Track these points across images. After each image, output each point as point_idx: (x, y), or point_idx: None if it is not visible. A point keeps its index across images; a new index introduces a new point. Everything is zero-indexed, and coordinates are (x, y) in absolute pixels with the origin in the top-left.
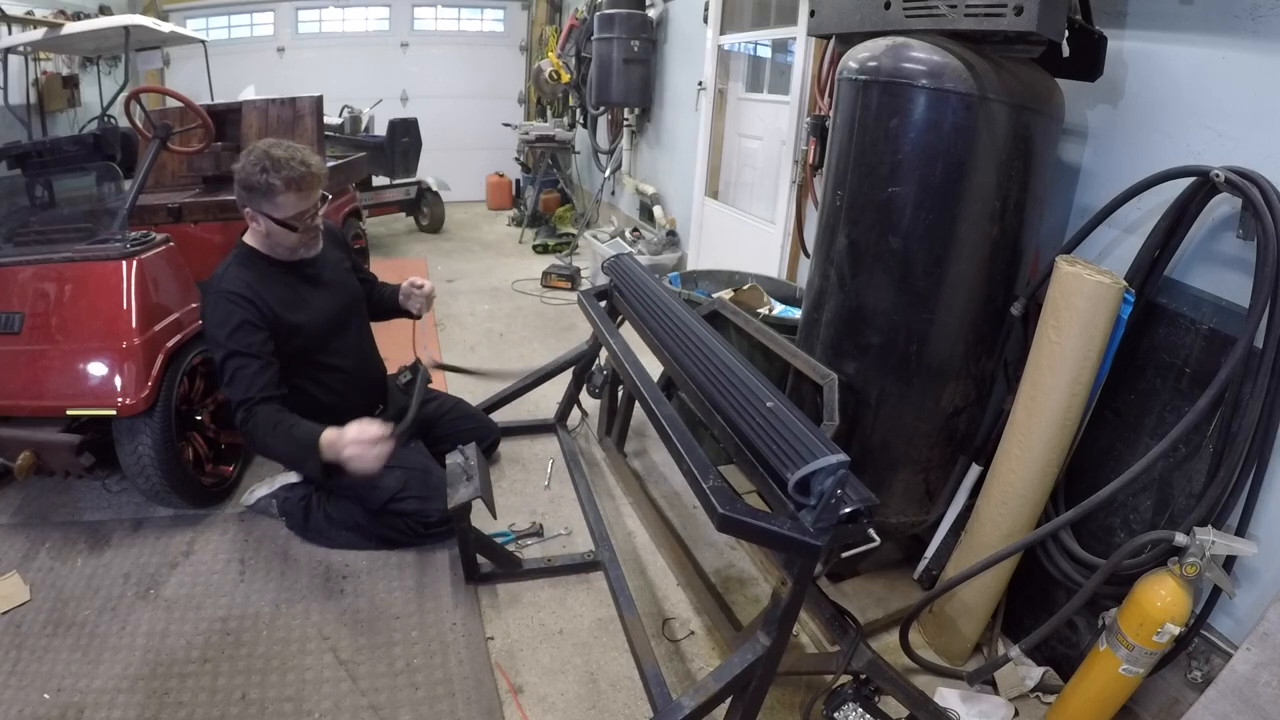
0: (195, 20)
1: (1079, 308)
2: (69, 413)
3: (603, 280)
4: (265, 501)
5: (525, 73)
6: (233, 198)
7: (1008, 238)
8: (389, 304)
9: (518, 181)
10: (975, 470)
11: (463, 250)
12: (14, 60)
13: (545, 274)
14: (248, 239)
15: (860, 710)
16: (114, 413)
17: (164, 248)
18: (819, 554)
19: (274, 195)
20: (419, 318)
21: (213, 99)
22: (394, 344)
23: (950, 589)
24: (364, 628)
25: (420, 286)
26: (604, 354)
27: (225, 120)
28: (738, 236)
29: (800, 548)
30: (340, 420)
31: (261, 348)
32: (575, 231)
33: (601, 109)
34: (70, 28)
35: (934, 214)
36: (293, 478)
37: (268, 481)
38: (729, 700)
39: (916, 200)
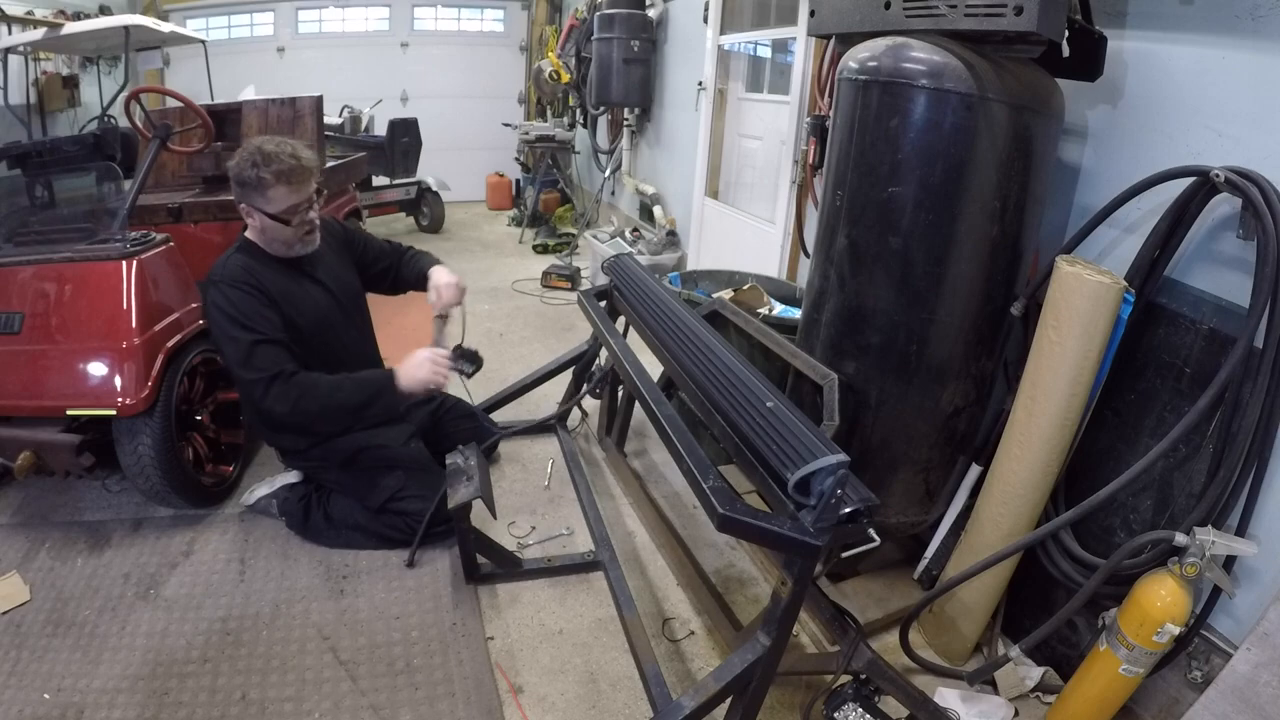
0: (195, 20)
1: (1079, 308)
2: (69, 413)
3: (603, 280)
4: (265, 502)
5: (525, 73)
6: (233, 197)
7: (1008, 238)
8: (415, 279)
9: (518, 181)
10: (975, 470)
11: (463, 250)
12: (14, 60)
13: (545, 274)
14: (248, 234)
15: (860, 710)
16: (114, 413)
17: (164, 248)
18: (819, 554)
19: (265, 189)
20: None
21: (213, 99)
22: (393, 344)
23: (950, 589)
24: (364, 628)
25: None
26: (604, 354)
27: (225, 120)
28: (738, 236)
29: (800, 548)
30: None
31: (278, 330)
32: (575, 231)
33: (601, 109)
34: (70, 28)
35: (934, 214)
36: (292, 478)
37: (267, 481)
38: (729, 700)
39: (916, 200)
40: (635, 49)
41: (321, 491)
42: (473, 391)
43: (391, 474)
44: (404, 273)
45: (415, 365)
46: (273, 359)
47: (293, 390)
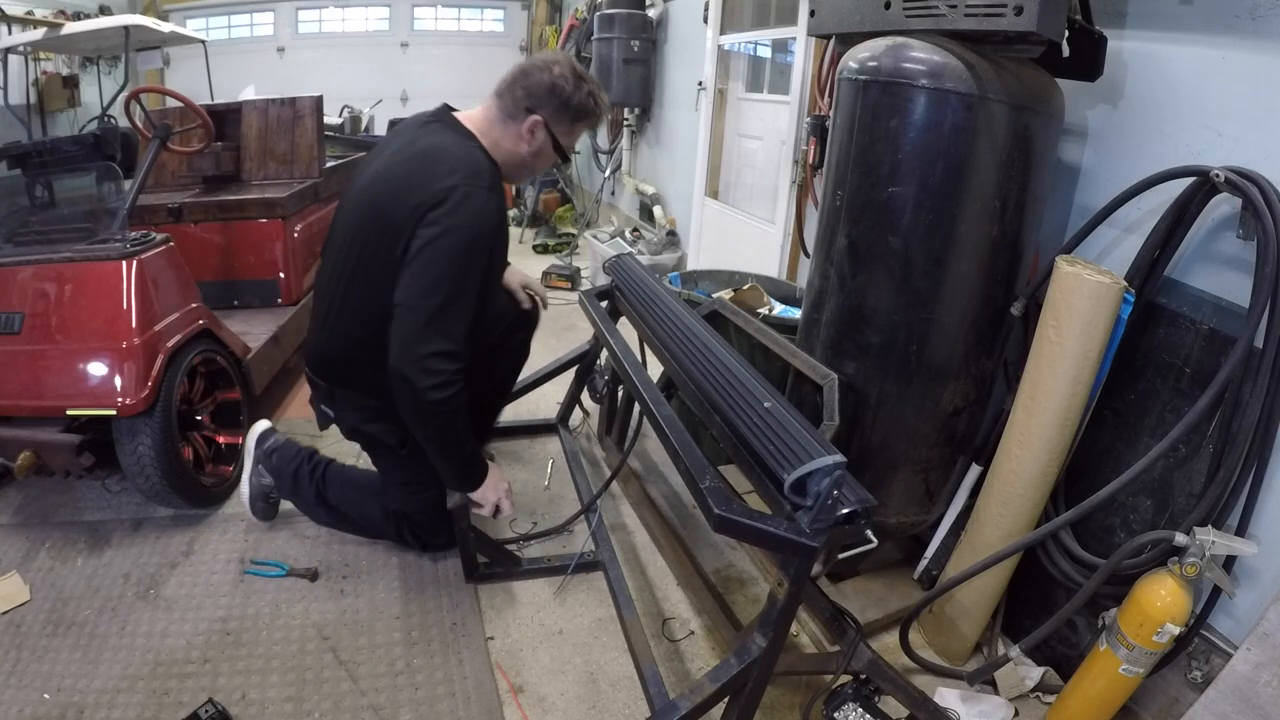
0: (195, 20)
1: (1079, 308)
2: (69, 413)
3: (603, 280)
4: (255, 481)
5: None
6: (233, 198)
7: (1008, 238)
8: None
9: None
10: (975, 470)
11: None
12: (14, 60)
13: (545, 274)
14: (492, 149)
15: (860, 710)
16: (114, 413)
17: (164, 248)
18: (815, 555)
19: (579, 121)
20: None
21: (213, 99)
22: None
23: (950, 589)
24: (364, 628)
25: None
26: (605, 356)
27: (225, 120)
28: (738, 236)
29: (796, 549)
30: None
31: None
32: (575, 231)
33: None
34: (70, 28)
35: (934, 214)
36: (270, 439)
37: (245, 457)
38: (725, 701)
39: (916, 200)
40: (635, 49)
41: (316, 470)
42: None
43: (425, 494)
44: None
45: (497, 493)
46: (461, 327)
47: (454, 388)
